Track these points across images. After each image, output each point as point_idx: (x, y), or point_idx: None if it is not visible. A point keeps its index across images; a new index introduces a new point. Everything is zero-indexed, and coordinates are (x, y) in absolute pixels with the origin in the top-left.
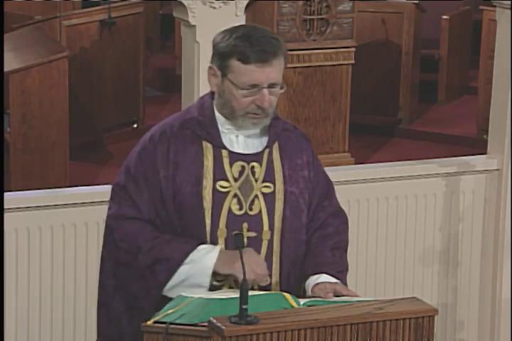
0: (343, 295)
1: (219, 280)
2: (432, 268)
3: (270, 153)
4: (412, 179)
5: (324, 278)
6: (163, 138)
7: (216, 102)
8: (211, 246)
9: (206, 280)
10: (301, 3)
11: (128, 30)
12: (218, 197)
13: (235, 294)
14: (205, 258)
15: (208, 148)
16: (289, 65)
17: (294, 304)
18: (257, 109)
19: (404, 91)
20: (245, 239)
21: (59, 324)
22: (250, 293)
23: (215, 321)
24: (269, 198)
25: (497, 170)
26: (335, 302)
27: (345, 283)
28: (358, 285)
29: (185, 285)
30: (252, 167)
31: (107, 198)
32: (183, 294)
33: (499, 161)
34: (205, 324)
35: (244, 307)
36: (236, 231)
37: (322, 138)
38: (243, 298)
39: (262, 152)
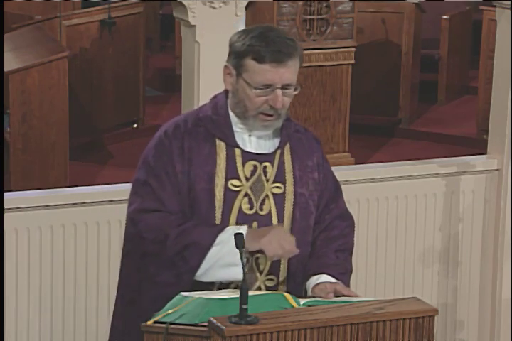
0: (344, 295)
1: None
2: (432, 268)
3: (282, 154)
4: (412, 179)
5: (325, 278)
6: (177, 133)
7: (230, 101)
8: (238, 226)
9: (237, 258)
10: (301, 3)
11: (128, 30)
12: (229, 196)
13: (235, 294)
14: (233, 237)
15: (221, 146)
16: None
17: (294, 304)
18: (269, 109)
19: (404, 91)
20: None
21: (59, 324)
22: (250, 293)
23: (215, 321)
24: (279, 199)
25: (497, 170)
26: (335, 302)
27: (347, 286)
28: (358, 285)
29: (219, 266)
30: (265, 167)
31: (107, 198)
32: (183, 294)
33: (499, 161)
34: (205, 324)
35: (244, 307)
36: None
37: (322, 138)
38: (243, 298)
39: (274, 152)
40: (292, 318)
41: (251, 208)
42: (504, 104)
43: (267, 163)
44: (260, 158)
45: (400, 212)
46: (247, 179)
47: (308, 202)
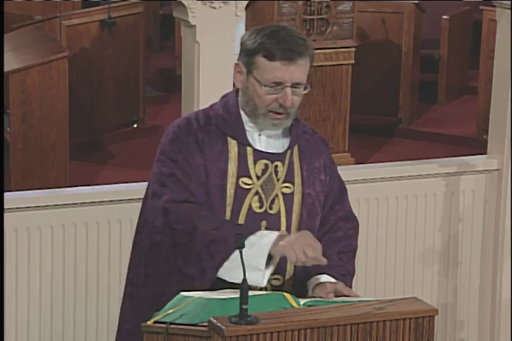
0: (344, 295)
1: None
2: (432, 268)
3: (291, 155)
4: (412, 179)
5: (325, 278)
6: (190, 129)
7: (240, 99)
8: (269, 231)
9: (262, 263)
10: (301, 3)
11: (128, 30)
12: (240, 194)
13: (235, 294)
14: (262, 241)
15: (232, 144)
16: None
17: (294, 304)
18: (279, 107)
19: (404, 91)
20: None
21: (59, 324)
22: (250, 293)
23: (215, 321)
24: (288, 199)
25: (497, 170)
26: (335, 302)
27: (349, 287)
28: (358, 285)
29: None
30: (276, 166)
31: (107, 198)
32: (183, 294)
33: (499, 161)
34: (205, 324)
35: (244, 307)
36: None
37: None
38: (243, 298)
39: (285, 152)
40: (292, 318)
41: (261, 207)
42: (504, 104)
43: (278, 163)
44: (272, 157)
45: (400, 212)
46: (258, 177)
47: (314, 202)
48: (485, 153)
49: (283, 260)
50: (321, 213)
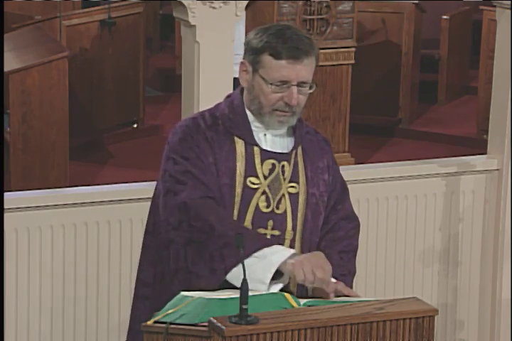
0: (344, 295)
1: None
2: (432, 268)
3: (296, 155)
4: (412, 179)
5: None
6: (199, 129)
7: (245, 99)
8: (285, 248)
9: (268, 276)
10: (301, 3)
11: (128, 30)
12: (247, 193)
13: (235, 294)
14: (274, 256)
15: (239, 143)
16: None
17: (294, 304)
18: (284, 106)
19: (404, 91)
20: (268, 237)
21: (59, 324)
22: (250, 293)
23: (215, 321)
24: (294, 198)
25: (497, 170)
26: (335, 302)
27: (350, 287)
28: (358, 285)
29: (248, 278)
30: (283, 166)
31: (107, 198)
32: (184, 294)
33: (499, 161)
34: (205, 324)
35: (244, 307)
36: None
37: None
38: (243, 298)
39: (291, 152)
40: (292, 318)
41: (268, 206)
42: (504, 104)
43: (284, 162)
44: (278, 157)
45: (400, 212)
46: (265, 177)
47: (318, 202)
48: (485, 153)
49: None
50: (324, 212)
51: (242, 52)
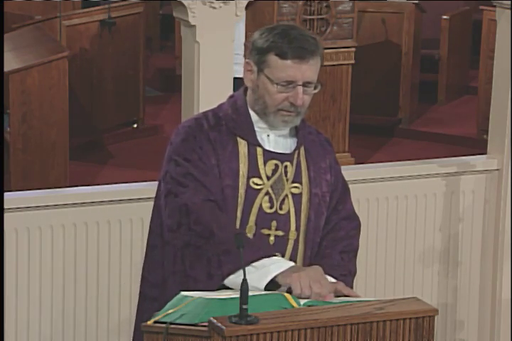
0: (344, 295)
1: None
2: (432, 268)
3: (298, 155)
4: (412, 179)
5: None
6: (202, 129)
7: (249, 99)
8: (286, 260)
9: (262, 284)
10: (301, 3)
11: (128, 30)
12: (250, 194)
13: (235, 294)
14: (272, 266)
15: (242, 144)
16: None
17: (294, 304)
18: (289, 106)
19: (404, 91)
20: (272, 238)
21: (59, 324)
22: (250, 293)
23: (215, 321)
24: (297, 199)
25: (497, 170)
26: (335, 302)
27: (350, 287)
28: (358, 285)
29: None
30: (286, 167)
31: (107, 198)
32: (184, 294)
33: (499, 161)
34: (205, 324)
35: (244, 307)
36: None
37: None
38: (243, 298)
39: (293, 153)
40: (292, 318)
41: (271, 207)
42: (504, 104)
43: (287, 163)
44: (281, 157)
45: (400, 212)
46: (268, 178)
47: (320, 202)
48: (485, 153)
49: (293, 260)
50: (326, 212)
51: (242, 52)
